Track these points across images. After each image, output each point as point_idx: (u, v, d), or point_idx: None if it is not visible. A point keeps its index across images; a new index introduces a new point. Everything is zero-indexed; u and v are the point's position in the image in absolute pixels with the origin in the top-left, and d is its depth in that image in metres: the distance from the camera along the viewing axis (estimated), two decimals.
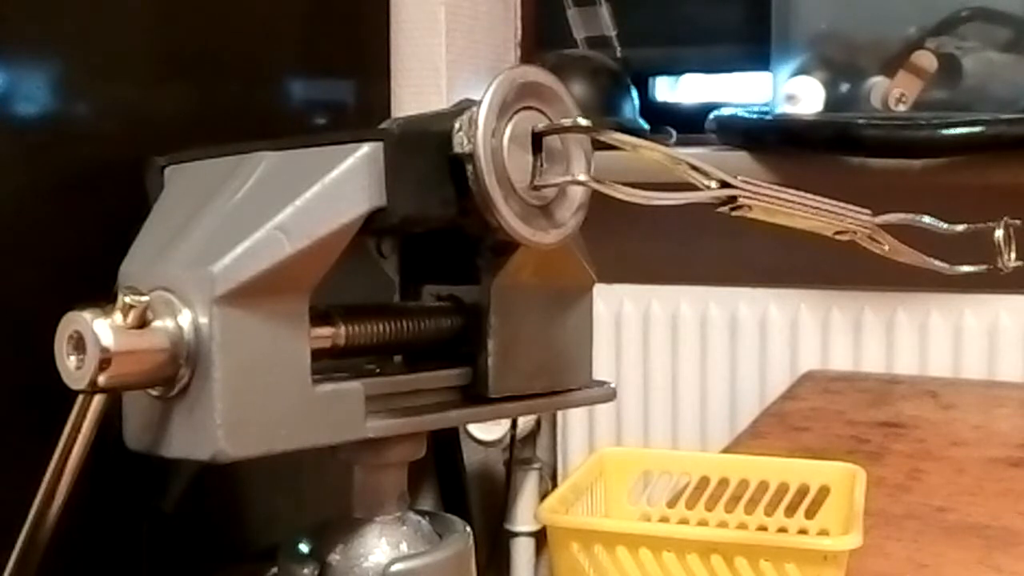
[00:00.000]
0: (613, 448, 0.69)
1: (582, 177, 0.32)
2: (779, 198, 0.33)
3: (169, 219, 0.35)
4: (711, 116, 1.46)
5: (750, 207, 0.32)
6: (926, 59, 1.37)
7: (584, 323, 0.38)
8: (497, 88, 0.30)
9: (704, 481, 0.68)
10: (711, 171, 0.32)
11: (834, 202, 0.34)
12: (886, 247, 0.36)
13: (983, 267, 0.37)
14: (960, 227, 0.37)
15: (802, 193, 0.33)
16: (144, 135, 0.77)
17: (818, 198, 0.34)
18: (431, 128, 0.31)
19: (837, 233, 0.35)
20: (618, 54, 1.56)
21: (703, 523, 0.66)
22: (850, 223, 0.35)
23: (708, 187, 0.32)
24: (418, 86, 1.38)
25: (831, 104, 1.45)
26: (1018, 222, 0.37)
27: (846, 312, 1.66)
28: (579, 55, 1.50)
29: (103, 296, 0.29)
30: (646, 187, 0.32)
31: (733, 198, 0.32)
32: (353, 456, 0.36)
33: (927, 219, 0.37)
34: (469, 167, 0.30)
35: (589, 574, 0.56)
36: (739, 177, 0.32)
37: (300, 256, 0.31)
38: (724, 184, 0.32)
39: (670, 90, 1.71)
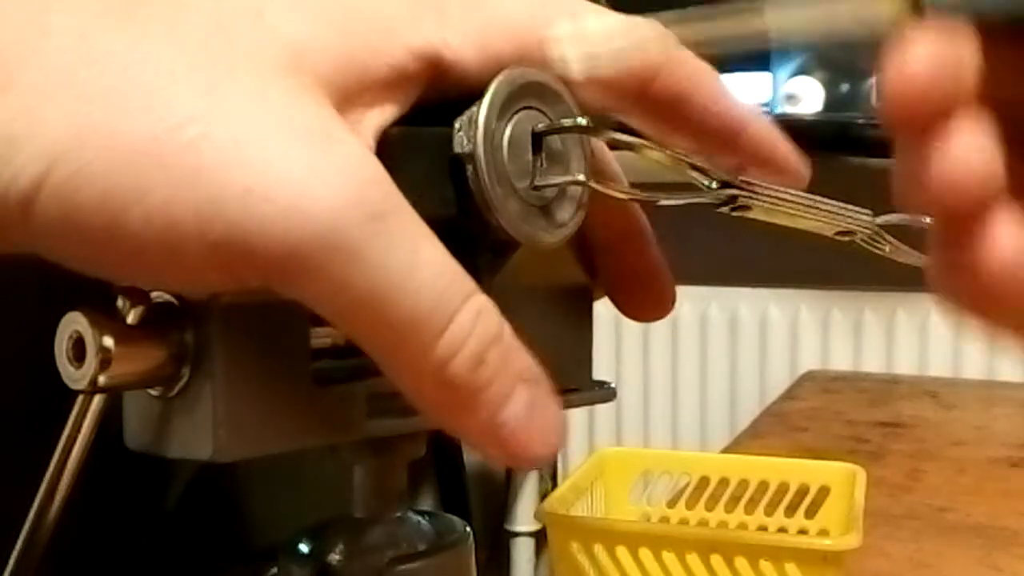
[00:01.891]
0: (613, 448, 0.69)
1: (582, 177, 0.32)
2: (780, 198, 0.33)
3: None
4: None
5: (751, 207, 0.32)
6: None
7: (584, 323, 0.38)
8: (497, 88, 0.30)
9: (704, 481, 0.67)
10: (712, 171, 0.32)
11: (835, 202, 0.34)
12: (887, 248, 0.36)
13: None
14: None
15: (803, 193, 0.33)
16: None
17: (818, 198, 0.34)
18: (431, 128, 0.31)
19: (838, 234, 0.35)
20: None
21: (703, 523, 0.66)
22: (851, 223, 0.35)
23: (709, 187, 0.32)
24: None
25: (831, 104, 1.45)
26: None
27: (846, 312, 1.66)
28: None
29: (103, 296, 0.29)
30: (646, 187, 0.32)
31: (734, 198, 0.32)
32: (353, 456, 0.36)
33: (928, 219, 0.37)
34: (469, 167, 0.30)
35: (589, 574, 0.56)
36: (739, 177, 0.32)
37: None
38: (725, 184, 0.32)
39: None
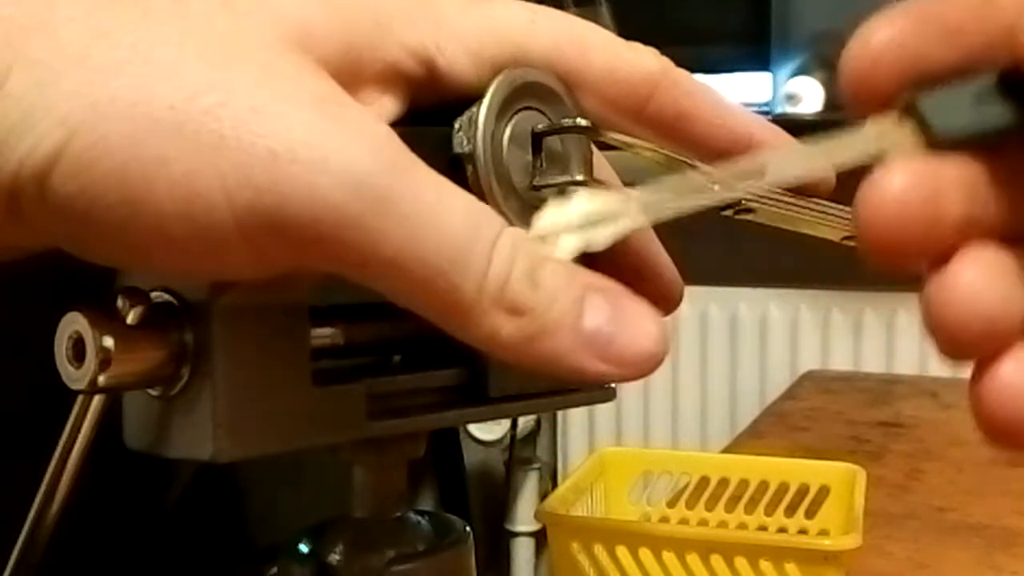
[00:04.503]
0: (613, 448, 0.69)
1: (582, 177, 0.32)
2: (784, 202, 0.33)
3: None
4: None
5: (754, 210, 0.32)
6: None
7: None
8: (497, 88, 0.30)
9: (704, 481, 0.67)
10: (713, 173, 0.31)
11: (839, 205, 0.34)
12: None
13: None
14: None
15: (807, 197, 0.33)
16: None
17: (822, 201, 0.34)
18: (431, 128, 0.31)
19: (846, 239, 0.34)
20: None
21: (703, 523, 0.66)
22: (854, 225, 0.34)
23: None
24: None
25: (831, 104, 1.45)
26: None
27: (846, 312, 1.66)
28: None
29: (103, 296, 0.29)
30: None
31: (737, 201, 0.32)
32: (353, 456, 0.36)
33: None
34: (469, 167, 0.30)
35: (589, 574, 0.56)
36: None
37: None
38: None
39: None
